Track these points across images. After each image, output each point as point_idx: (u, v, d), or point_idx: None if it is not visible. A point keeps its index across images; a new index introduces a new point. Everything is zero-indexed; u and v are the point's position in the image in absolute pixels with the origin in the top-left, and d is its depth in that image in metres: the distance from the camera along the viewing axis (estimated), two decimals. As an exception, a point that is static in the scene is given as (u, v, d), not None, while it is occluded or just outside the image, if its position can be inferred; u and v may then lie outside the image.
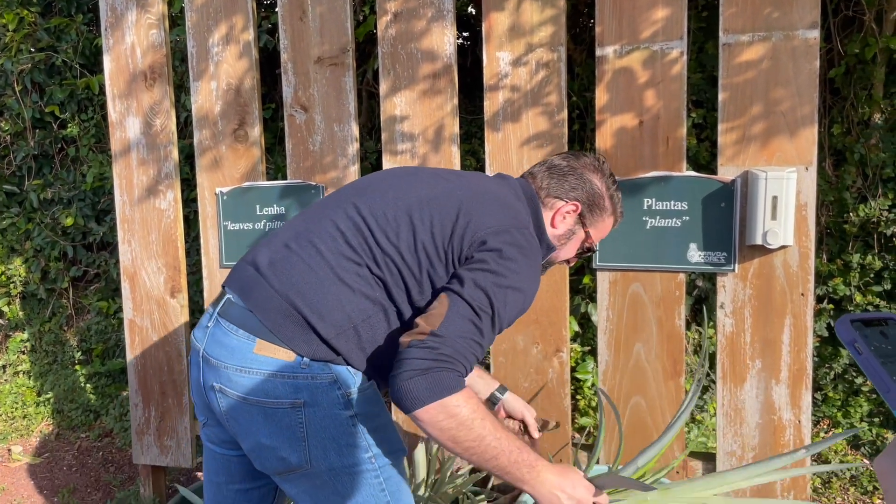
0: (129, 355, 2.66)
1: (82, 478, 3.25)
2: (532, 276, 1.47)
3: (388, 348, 1.48)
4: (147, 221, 2.59)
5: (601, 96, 2.16)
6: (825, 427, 3.06)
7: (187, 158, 3.56)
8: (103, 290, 4.12)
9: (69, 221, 3.92)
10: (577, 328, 3.16)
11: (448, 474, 2.25)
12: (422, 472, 2.23)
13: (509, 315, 1.43)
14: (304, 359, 1.42)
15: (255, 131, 2.47)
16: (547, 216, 1.64)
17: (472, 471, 2.29)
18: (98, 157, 3.92)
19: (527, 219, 1.57)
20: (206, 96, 2.49)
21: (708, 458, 2.25)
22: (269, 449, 1.47)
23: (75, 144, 4.04)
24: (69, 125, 3.94)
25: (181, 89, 3.56)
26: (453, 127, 2.30)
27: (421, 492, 2.22)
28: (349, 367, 1.46)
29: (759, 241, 2.02)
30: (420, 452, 2.26)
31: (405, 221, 1.48)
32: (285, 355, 1.42)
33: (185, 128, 3.59)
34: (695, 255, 2.14)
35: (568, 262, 1.75)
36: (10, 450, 3.47)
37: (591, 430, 3.07)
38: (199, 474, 3.16)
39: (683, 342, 2.18)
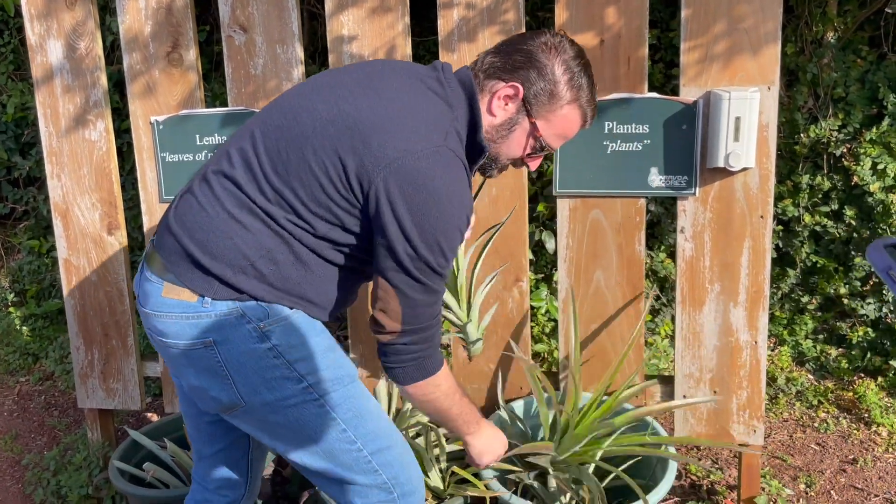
0: (67, 296, 2.52)
1: (24, 423, 3.13)
2: (457, 200, 1.35)
3: (307, 277, 1.43)
4: (77, 154, 2.41)
5: (560, 14, 2.06)
6: (772, 345, 3.14)
7: (117, 85, 3.33)
8: (34, 227, 3.90)
9: (-9, 156, 3.66)
10: (530, 256, 3.14)
11: (410, 407, 2.23)
12: (384, 405, 2.20)
13: (452, 252, 1.38)
14: (206, 298, 1.40)
15: (191, 54, 2.29)
16: (483, 102, 1.43)
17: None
18: (18, 86, 3.64)
19: (444, 122, 1.38)
20: (135, 16, 2.30)
21: (666, 381, 2.28)
22: (200, 390, 1.47)
23: (-9, 72, 3.74)
24: (-17, 51, 3.64)
25: (106, 10, 3.30)
26: (406, 48, 2.17)
27: (382, 425, 2.19)
28: (259, 302, 1.41)
29: (720, 164, 1.99)
30: (382, 387, 2.22)
31: (296, 156, 1.38)
32: (188, 296, 1.41)
33: (112, 52, 3.35)
34: (656, 179, 2.10)
35: (523, 162, 1.52)
36: (-57, 397, 3.32)
37: (546, 356, 3.09)
38: (150, 415, 3.07)
39: (643, 268, 2.17)
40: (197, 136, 2.33)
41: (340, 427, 1.48)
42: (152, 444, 2.40)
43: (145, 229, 2.43)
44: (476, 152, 1.46)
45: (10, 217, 4.00)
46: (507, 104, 1.43)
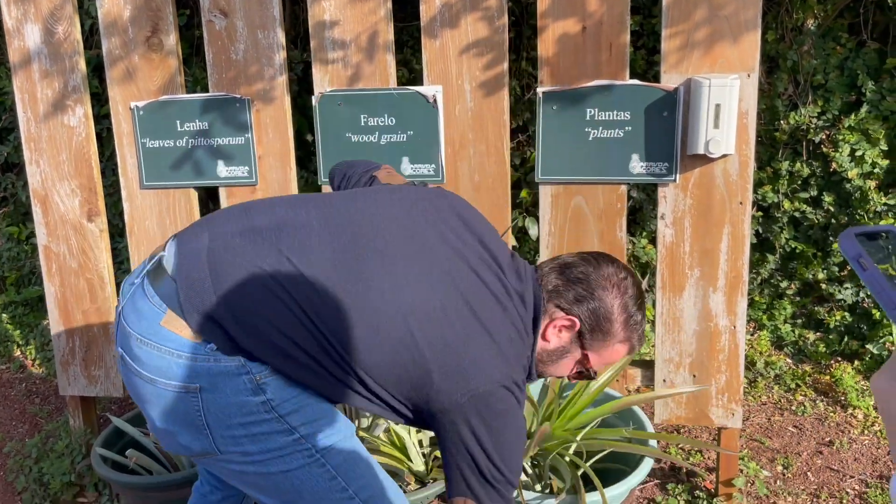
0: (47, 283, 2.50)
1: (6, 410, 3.11)
2: (519, 426, 1.34)
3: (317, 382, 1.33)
4: (56, 140, 2.39)
5: (543, 0, 2.06)
6: (751, 329, 3.18)
7: (96, 70, 3.29)
8: (12, 214, 3.86)
9: (-33, 141, 3.61)
10: (514, 242, 3.15)
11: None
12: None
13: (520, 468, 1.37)
14: (212, 344, 1.27)
15: (171, 39, 2.27)
16: (541, 324, 1.40)
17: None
18: (-5, 70, 3.59)
19: (521, 353, 1.36)
20: (114, 0, 2.27)
21: (646, 366, 2.30)
22: (167, 433, 1.34)
23: (-33, 56, 3.68)
24: (-42, 34, 3.58)
25: (84, -7, 3.25)
26: (388, 33, 2.17)
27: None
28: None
29: (700, 151, 2.01)
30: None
31: (363, 343, 1.29)
32: (190, 335, 1.27)
33: (91, 37, 3.31)
34: (637, 166, 2.11)
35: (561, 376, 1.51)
36: (-77, 386, 3.29)
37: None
38: (133, 402, 3.07)
39: (625, 254, 2.19)
40: (178, 121, 2.32)
41: (330, 474, 1.38)
42: (135, 431, 2.39)
43: (126, 216, 2.41)
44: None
45: (-11, 203, 3.96)
46: (561, 332, 1.41)
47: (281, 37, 2.22)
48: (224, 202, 2.38)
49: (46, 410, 3.08)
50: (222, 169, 2.34)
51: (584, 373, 1.47)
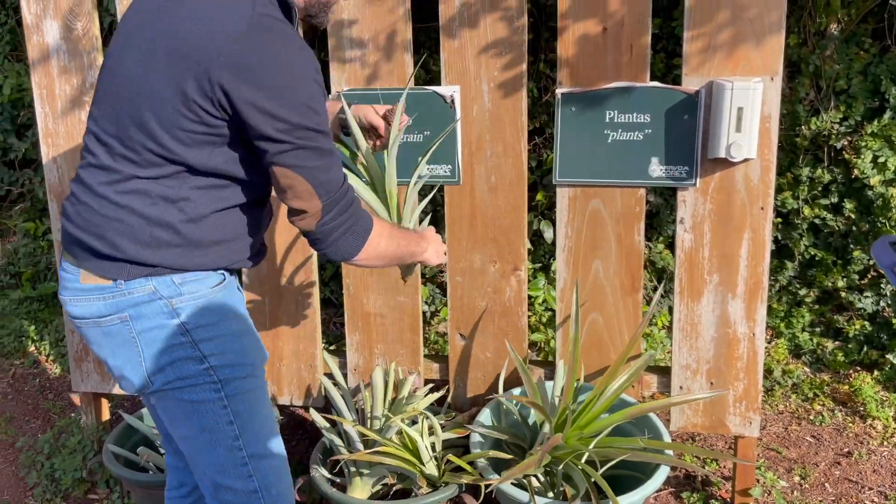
0: (62, 280, 2.50)
1: (19, 406, 3.12)
2: (296, 56, 1.33)
3: (205, 227, 1.43)
4: (73, 136, 2.39)
5: (563, 0, 2.04)
6: (768, 337, 3.14)
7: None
8: (29, 210, 3.88)
9: (-14, 137, 3.63)
10: (529, 245, 3.13)
11: (406, 394, 2.22)
12: (380, 393, 2.19)
13: (319, 102, 1.36)
14: (119, 280, 1.42)
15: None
16: None
17: (430, 390, 2.26)
18: (15, 67, 3.61)
19: None
20: (133, -3, 2.27)
21: (662, 372, 2.27)
22: (117, 369, 1.48)
23: (-13, 52, 3.71)
24: (-21, 30, 3.60)
25: (103, -9, 3.26)
26: (406, 33, 2.15)
27: (378, 412, 2.19)
28: (174, 276, 1.42)
29: (722, 155, 1.98)
30: (378, 374, 2.21)
31: (134, 112, 1.37)
32: (104, 281, 1.43)
33: (109, 33, 3.32)
34: (656, 169, 2.09)
35: None
36: (-62, 379, 3.30)
37: (542, 345, 3.08)
38: (144, 399, 3.06)
39: (642, 258, 2.16)
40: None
41: (228, 418, 1.47)
42: (147, 429, 2.39)
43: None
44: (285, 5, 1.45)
45: (6, 199, 3.98)
46: None
47: (299, 35, 2.20)
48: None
49: (59, 406, 3.09)
50: (238, 167, 2.33)
51: None
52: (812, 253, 3.02)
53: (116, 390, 2.56)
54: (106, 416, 2.71)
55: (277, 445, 1.55)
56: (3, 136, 3.71)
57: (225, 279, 1.50)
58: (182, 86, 1.31)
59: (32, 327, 3.58)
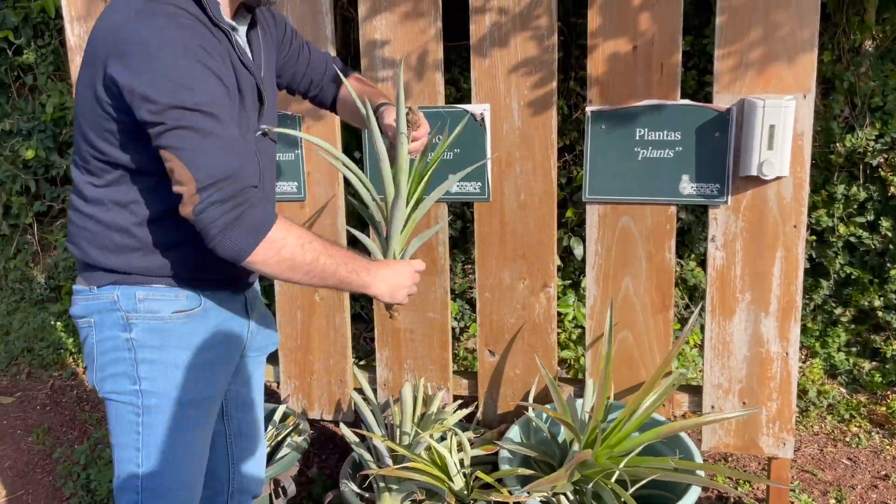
0: (101, 293, 2.56)
1: (57, 417, 3.18)
2: (177, 31, 1.30)
3: (159, 229, 1.46)
4: (113, 154, 2.45)
5: (594, 19, 2.05)
6: (803, 357, 3.09)
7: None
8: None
9: (30, 154, 3.74)
10: (558, 262, 3.13)
11: (435, 410, 2.23)
12: (409, 409, 2.21)
13: (195, 80, 1.29)
14: (92, 286, 1.50)
15: (226, 57, 2.32)
16: None
17: (459, 406, 2.27)
18: (58, 86, 3.72)
19: None
20: (172, 19, 2.33)
21: (694, 391, 2.25)
22: (89, 371, 1.55)
23: (33, 73, 3.82)
24: (25, 52, 3.72)
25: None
26: (438, 52, 2.18)
27: (408, 427, 2.20)
28: (138, 290, 1.47)
29: (753, 172, 1.97)
30: (407, 390, 2.22)
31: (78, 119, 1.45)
32: (84, 284, 1.52)
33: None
34: (687, 186, 2.08)
35: None
36: (-21, 390, 3.39)
37: (572, 362, 3.07)
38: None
39: (673, 276, 2.15)
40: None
41: (136, 445, 1.49)
42: (180, 441, 2.42)
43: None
44: None
45: (48, 215, 4.08)
46: None
47: (332, 54, 2.25)
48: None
49: (96, 418, 3.15)
50: (272, 184, 2.37)
51: None
52: (848, 271, 2.97)
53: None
54: (140, 428, 2.75)
55: (177, 490, 1.52)
56: (46, 154, 3.81)
57: (201, 305, 1.51)
58: (94, 86, 1.37)
59: (71, 340, 3.66)
